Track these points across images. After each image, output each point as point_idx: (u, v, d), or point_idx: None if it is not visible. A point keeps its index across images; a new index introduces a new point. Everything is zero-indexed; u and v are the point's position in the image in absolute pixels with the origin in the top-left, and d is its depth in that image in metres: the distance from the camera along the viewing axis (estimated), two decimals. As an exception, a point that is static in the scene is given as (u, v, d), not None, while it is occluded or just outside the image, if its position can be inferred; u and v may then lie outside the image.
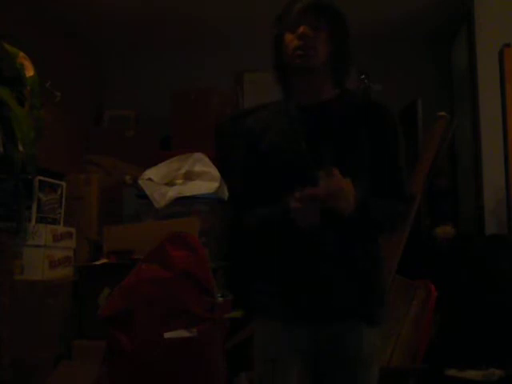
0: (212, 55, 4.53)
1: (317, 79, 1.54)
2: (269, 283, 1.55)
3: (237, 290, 2.82)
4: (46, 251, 2.94)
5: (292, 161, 1.52)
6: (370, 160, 1.51)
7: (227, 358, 2.43)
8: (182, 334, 2.33)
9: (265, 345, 1.55)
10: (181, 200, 3.11)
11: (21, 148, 2.37)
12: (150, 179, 3.29)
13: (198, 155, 3.28)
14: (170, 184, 3.23)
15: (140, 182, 3.31)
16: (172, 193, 3.13)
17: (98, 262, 3.01)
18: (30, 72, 2.52)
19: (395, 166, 1.56)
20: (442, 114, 3.19)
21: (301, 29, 1.48)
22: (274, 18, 1.61)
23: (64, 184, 3.19)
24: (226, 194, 3.13)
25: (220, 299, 2.61)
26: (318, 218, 1.40)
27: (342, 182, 1.39)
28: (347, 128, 1.52)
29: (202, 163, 3.24)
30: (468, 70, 3.80)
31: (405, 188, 1.59)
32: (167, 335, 2.32)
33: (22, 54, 2.52)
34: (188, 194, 3.12)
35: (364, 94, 1.55)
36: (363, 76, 4.07)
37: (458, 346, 2.77)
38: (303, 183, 1.42)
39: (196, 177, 3.19)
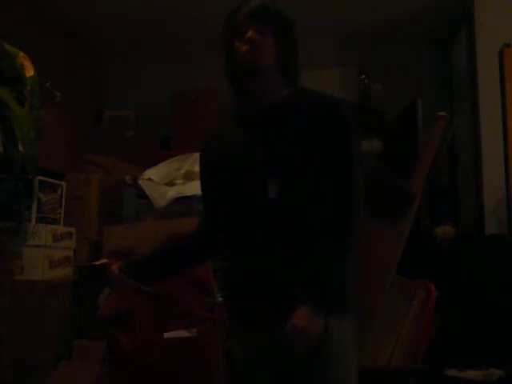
0: (212, 55, 4.52)
1: (267, 81, 1.56)
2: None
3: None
4: (46, 251, 2.94)
5: (238, 168, 1.57)
6: (318, 160, 1.50)
7: (227, 358, 2.43)
8: (182, 334, 2.33)
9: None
10: (181, 200, 3.11)
11: (21, 148, 2.37)
12: (150, 179, 3.29)
13: (198, 155, 3.28)
14: (170, 184, 3.23)
15: (140, 182, 3.31)
16: (172, 193, 3.13)
17: (97, 262, 3.01)
18: (30, 72, 2.52)
19: (342, 166, 1.51)
20: (442, 114, 3.19)
21: (248, 33, 1.51)
22: (223, 25, 1.63)
23: (64, 184, 3.19)
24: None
25: (220, 299, 2.61)
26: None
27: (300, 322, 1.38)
28: (294, 129, 1.53)
29: (201, 163, 3.24)
30: (468, 70, 3.80)
31: (350, 189, 1.51)
32: (167, 335, 2.32)
33: (21, 54, 2.52)
34: (188, 194, 3.12)
35: (316, 92, 1.55)
36: (363, 76, 4.07)
37: (458, 346, 2.77)
38: (252, 191, 1.51)
39: (196, 177, 3.19)
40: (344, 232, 1.49)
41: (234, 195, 1.56)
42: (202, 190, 1.76)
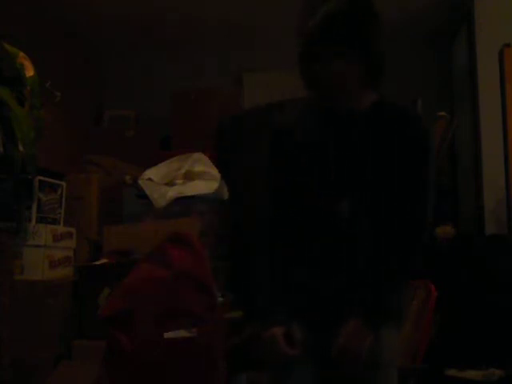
0: (212, 55, 4.53)
1: (347, 95, 1.49)
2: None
3: (237, 291, 2.82)
4: (46, 251, 2.94)
5: (316, 170, 1.48)
6: (392, 180, 1.44)
7: (227, 357, 2.43)
8: (182, 334, 2.33)
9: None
10: (181, 200, 3.11)
11: (21, 148, 2.37)
12: (150, 179, 3.29)
13: (198, 155, 3.28)
14: (170, 184, 3.23)
15: (140, 182, 3.31)
16: (172, 193, 3.13)
17: (97, 262, 3.01)
18: (30, 72, 2.52)
19: (413, 194, 1.47)
20: (442, 114, 3.19)
21: (333, 67, 1.43)
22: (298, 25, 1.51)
23: (64, 184, 3.19)
24: (226, 194, 3.13)
25: (220, 299, 2.61)
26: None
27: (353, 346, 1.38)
28: (375, 143, 1.46)
29: (201, 163, 3.24)
30: (468, 70, 3.80)
31: (417, 223, 1.49)
32: (167, 335, 2.32)
33: (21, 54, 2.52)
34: (188, 194, 3.12)
35: (401, 106, 1.47)
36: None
37: (458, 346, 2.77)
38: (323, 203, 1.43)
39: (196, 177, 3.19)
40: (410, 256, 1.48)
41: (302, 199, 1.48)
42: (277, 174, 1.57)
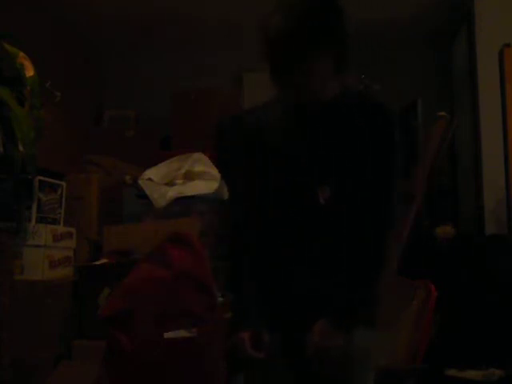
0: (212, 55, 4.53)
1: (317, 78, 1.48)
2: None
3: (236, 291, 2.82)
4: (46, 251, 2.94)
5: (291, 164, 1.50)
6: (364, 167, 1.48)
7: (227, 357, 2.43)
8: (182, 334, 2.33)
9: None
10: (181, 200, 3.11)
11: (21, 148, 2.37)
12: (150, 179, 3.29)
13: (198, 155, 3.28)
14: (170, 184, 3.23)
15: (140, 182, 3.31)
16: (172, 193, 3.13)
17: (97, 262, 3.01)
18: (30, 72, 2.52)
19: (383, 180, 1.49)
20: (442, 114, 3.19)
21: (306, 65, 1.42)
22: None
23: (64, 184, 3.19)
24: (226, 194, 3.13)
25: (220, 299, 2.61)
26: None
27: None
28: (346, 131, 1.49)
29: (201, 163, 3.24)
30: (468, 70, 3.80)
31: (385, 209, 1.51)
32: (167, 335, 2.32)
33: (21, 54, 2.52)
34: (188, 194, 3.12)
35: (365, 93, 1.51)
36: (363, 76, 4.07)
37: (458, 345, 2.77)
38: (301, 186, 1.44)
39: (196, 177, 3.19)
40: (383, 250, 1.50)
41: (282, 195, 1.49)
42: (237, 175, 1.63)
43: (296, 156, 1.49)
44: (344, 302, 1.43)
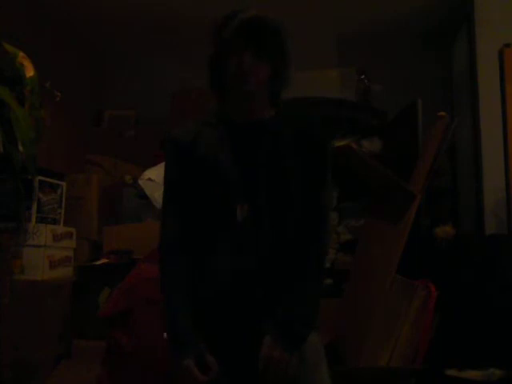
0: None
1: (254, 101, 1.53)
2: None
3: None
4: (46, 251, 2.94)
5: (219, 178, 1.50)
6: (298, 182, 1.50)
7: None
8: (182, 334, 2.32)
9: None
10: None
11: (21, 148, 2.37)
12: (149, 179, 3.29)
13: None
14: (170, 184, 3.23)
15: (140, 182, 3.32)
16: (172, 193, 3.13)
17: (97, 262, 3.01)
18: (30, 72, 2.52)
19: (318, 191, 1.54)
20: (442, 113, 3.19)
21: (244, 57, 1.46)
22: (212, 36, 1.59)
23: (64, 184, 3.19)
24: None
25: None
26: None
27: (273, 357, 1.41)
28: (277, 148, 1.51)
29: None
30: (468, 70, 3.80)
31: (324, 216, 1.55)
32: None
33: (21, 54, 2.52)
34: (188, 194, 3.11)
35: (298, 114, 1.58)
36: (363, 76, 4.07)
37: (458, 345, 2.76)
38: (222, 201, 1.47)
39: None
40: (319, 263, 1.53)
41: (210, 210, 1.51)
42: (176, 188, 1.59)
43: (222, 171, 1.50)
44: (285, 321, 1.45)
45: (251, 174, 1.49)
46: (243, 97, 1.53)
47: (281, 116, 1.57)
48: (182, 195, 1.56)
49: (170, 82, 4.33)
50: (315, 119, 1.60)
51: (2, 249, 2.46)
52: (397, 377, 2.66)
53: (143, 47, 4.55)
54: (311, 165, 1.52)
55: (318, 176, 1.54)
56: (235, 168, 1.49)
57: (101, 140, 4.16)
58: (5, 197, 2.39)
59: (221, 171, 1.50)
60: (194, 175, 1.53)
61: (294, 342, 1.45)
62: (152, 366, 2.31)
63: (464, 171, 3.93)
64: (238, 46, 1.48)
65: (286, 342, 1.43)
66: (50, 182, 3.08)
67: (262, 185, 1.48)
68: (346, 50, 4.35)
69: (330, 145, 1.58)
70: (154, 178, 3.30)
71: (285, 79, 1.55)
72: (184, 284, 1.57)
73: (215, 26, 1.59)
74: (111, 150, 3.89)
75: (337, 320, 3.03)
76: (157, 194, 3.19)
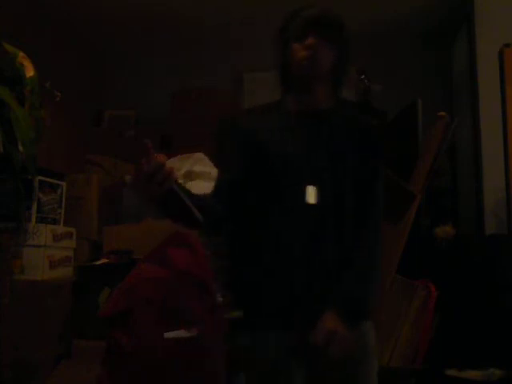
0: (212, 55, 4.53)
1: (317, 88, 1.59)
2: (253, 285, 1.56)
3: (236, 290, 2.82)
4: (46, 251, 2.94)
5: (284, 162, 1.55)
6: (355, 172, 1.56)
7: (227, 358, 2.43)
8: (182, 334, 2.33)
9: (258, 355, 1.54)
10: (181, 200, 3.11)
11: (21, 148, 2.37)
12: (149, 179, 3.28)
13: (198, 155, 3.28)
14: (170, 184, 3.23)
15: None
16: (172, 193, 3.13)
17: (97, 262, 3.01)
18: (30, 72, 2.52)
19: (373, 185, 1.60)
20: (442, 113, 3.19)
21: (309, 40, 1.52)
22: (280, 27, 1.65)
23: (64, 184, 3.19)
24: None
25: (220, 299, 2.61)
26: (155, 198, 1.37)
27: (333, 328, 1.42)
28: (339, 138, 1.57)
29: (202, 163, 3.24)
30: (468, 70, 3.80)
31: (377, 210, 1.61)
32: (167, 335, 2.32)
33: (21, 54, 2.52)
34: (188, 194, 3.11)
35: (357, 105, 1.68)
36: (363, 76, 4.07)
37: (458, 345, 2.77)
38: (292, 186, 1.50)
39: (196, 177, 3.19)
40: (376, 248, 1.59)
41: (274, 191, 1.54)
42: (229, 165, 1.63)
43: (290, 155, 1.54)
44: (347, 296, 1.47)
45: (315, 158, 1.54)
46: (305, 80, 1.57)
47: (339, 109, 1.63)
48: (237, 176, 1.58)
49: (170, 82, 4.33)
50: (374, 120, 1.68)
51: (2, 249, 2.46)
52: (397, 377, 2.66)
53: (143, 47, 4.55)
54: (369, 160, 1.58)
55: (374, 170, 1.60)
56: (301, 152, 1.54)
57: (101, 140, 4.16)
58: (5, 197, 2.39)
59: (287, 155, 1.54)
60: (254, 158, 1.56)
61: (357, 318, 1.48)
62: (152, 366, 2.31)
63: (464, 171, 3.93)
64: (305, 32, 1.54)
65: (350, 318, 1.44)
66: (50, 182, 3.08)
67: (326, 169, 1.53)
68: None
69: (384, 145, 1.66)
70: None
71: (346, 72, 1.63)
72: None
73: (284, 19, 1.63)
74: (111, 150, 3.89)
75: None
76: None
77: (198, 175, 3.20)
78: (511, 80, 3.40)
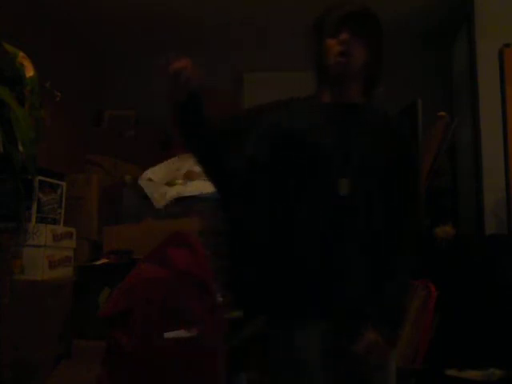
0: (212, 55, 4.53)
1: (350, 84, 1.61)
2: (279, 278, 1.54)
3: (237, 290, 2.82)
4: (46, 251, 2.94)
5: (316, 152, 1.54)
6: (386, 169, 1.56)
7: (227, 357, 2.43)
8: (182, 333, 2.33)
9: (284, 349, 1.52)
10: (181, 200, 3.11)
11: (21, 148, 2.37)
12: (150, 179, 3.29)
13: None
14: (170, 184, 3.24)
15: (140, 182, 3.32)
16: (172, 193, 3.14)
17: (98, 262, 3.01)
18: (30, 72, 2.52)
19: (408, 183, 1.61)
20: (442, 113, 3.19)
21: (343, 35, 1.54)
22: (314, 22, 1.66)
23: (64, 184, 3.19)
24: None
25: (220, 299, 2.61)
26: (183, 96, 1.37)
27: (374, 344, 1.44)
28: (371, 133, 1.58)
29: (202, 163, 3.24)
30: (468, 70, 3.80)
31: (419, 202, 1.65)
32: (167, 335, 2.32)
33: (21, 54, 2.52)
34: (188, 194, 3.12)
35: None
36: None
37: (458, 345, 2.76)
38: (324, 177, 1.50)
39: (196, 177, 3.19)
40: (416, 251, 1.58)
41: (303, 179, 1.53)
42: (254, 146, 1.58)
43: (323, 147, 1.54)
44: (389, 308, 1.49)
45: (347, 151, 1.53)
46: (340, 75, 1.58)
47: (371, 106, 1.66)
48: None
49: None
50: (405, 119, 1.74)
51: (2, 249, 2.46)
52: (397, 377, 2.66)
53: (143, 47, 4.55)
54: (407, 153, 1.60)
55: (414, 165, 1.64)
56: (333, 144, 1.54)
57: (101, 140, 4.16)
58: (5, 197, 2.39)
59: (319, 147, 1.53)
60: (284, 145, 1.55)
61: (396, 329, 1.50)
62: (152, 366, 2.31)
63: (464, 171, 3.93)
64: (340, 28, 1.55)
65: (390, 329, 1.47)
66: (50, 182, 3.08)
67: (357, 163, 1.52)
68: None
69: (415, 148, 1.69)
70: (154, 177, 3.30)
71: (379, 69, 1.67)
72: None
73: (318, 15, 1.65)
74: (111, 149, 3.89)
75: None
76: (157, 194, 3.19)
77: (198, 175, 3.20)
78: (511, 80, 3.40)
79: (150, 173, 3.34)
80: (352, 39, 1.54)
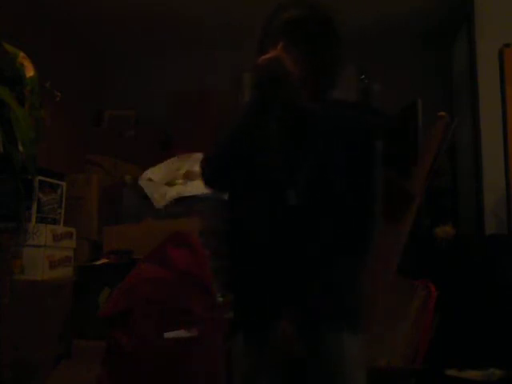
0: (212, 55, 4.53)
1: (298, 91, 1.55)
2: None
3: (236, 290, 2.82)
4: (46, 251, 2.94)
5: (267, 162, 1.54)
6: (343, 171, 1.53)
7: (227, 358, 2.43)
8: (182, 334, 2.33)
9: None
10: (181, 200, 3.11)
11: (21, 148, 2.37)
12: (150, 179, 3.29)
13: (198, 155, 3.28)
14: (170, 184, 3.24)
15: (140, 182, 3.32)
16: (172, 193, 3.14)
17: (97, 262, 3.01)
18: (30, 72, 2.52)
19: (364, 185, 1.58)
20: (442, 113, 3.19)
21: (280, 45, 1.49)
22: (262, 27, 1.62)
23: (64, 184, 3.19)
24: (225, 194, 3.13)
25: (220, 299, 2.61)
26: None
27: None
28: (325, 138, 1.54)
29: (202, 163, 3.24)
30: (468, 70, 3.80)
31: (372, 205, 1.61)
32: (167, 335, 2.32)
33: (22, 54, 2.52)
34: (188, 194, 3.12)
35: (353, 105, 1.63)
36: (363, 76, 4.07)
37: (458, 345, 2.77)
38: (274, 187, 1.50)
39: (196, 177, 3.19)
40: (364, 250, 1.60)
41: (260, 190, 1.54)
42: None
43: (273, 155, 1.53)
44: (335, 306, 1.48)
45: (297, 161, 1.52)
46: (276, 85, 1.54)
47: (327, 110, 1.59)
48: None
49: (170, 82, 4.33)
50: (374, 119, 1.68)
51: (2, 249, 2.46)
52: (397, 377, 2.66)
53: (143, 47, 4.55)
54: (357, 160, 1.56)
55: (363, 171, 1.58)
56: (284, 152, 1.52)
57: (101, 140, 4.16)
58: (5, 197, 2.39)
59: (271, 155, 1.53)
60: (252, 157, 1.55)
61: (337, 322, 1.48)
62: (152, 366, 2.31)
63: (464, 171, 3.93)
64: (276, 38, 1.51)
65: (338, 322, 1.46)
66: (50, 182, 3.08)
67: (307, 172, 1.50)
68: (345, 50, 4.34)
69: (380, 134, 1.63)
70: (154, 177, 3.30)
71: (333, 73, 1.59)
72: None
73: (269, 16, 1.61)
74: (111, 150, 3.89)
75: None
76: (157, 194, 3.19)
77: (198, 175, 3.19)
78: (511, 80, 3.40)
79: (149, 173, 3.34)
80: (287, 49, 1.48)
